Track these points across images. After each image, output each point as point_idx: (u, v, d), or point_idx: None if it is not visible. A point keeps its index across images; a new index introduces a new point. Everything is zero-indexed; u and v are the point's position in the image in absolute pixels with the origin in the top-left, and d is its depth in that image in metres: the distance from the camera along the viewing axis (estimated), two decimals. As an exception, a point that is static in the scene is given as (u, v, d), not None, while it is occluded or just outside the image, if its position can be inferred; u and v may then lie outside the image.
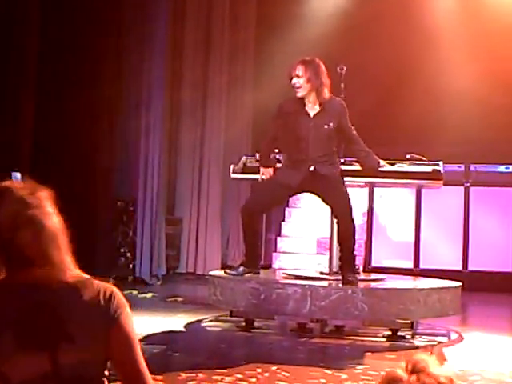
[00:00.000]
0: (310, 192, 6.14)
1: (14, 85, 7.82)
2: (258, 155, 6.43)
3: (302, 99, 5.81)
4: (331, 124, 5.80)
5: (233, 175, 6.62)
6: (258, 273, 6.10)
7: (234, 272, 6.00)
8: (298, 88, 5.75)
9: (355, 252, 6.03)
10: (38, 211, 1.88)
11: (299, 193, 6.48)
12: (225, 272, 6.11)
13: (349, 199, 5.83)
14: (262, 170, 6.08)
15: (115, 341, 1.88)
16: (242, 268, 6.03)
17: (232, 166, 6.64)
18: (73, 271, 1.94)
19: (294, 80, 5.75)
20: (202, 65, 10.27)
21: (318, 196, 6.01)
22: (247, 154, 7.26)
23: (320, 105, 5.82)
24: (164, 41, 9.77)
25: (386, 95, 10.06)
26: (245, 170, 6.53)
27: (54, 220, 1.93)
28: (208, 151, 10.28)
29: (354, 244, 5.95)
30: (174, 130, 10.24)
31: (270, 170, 6.04)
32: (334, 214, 5.96)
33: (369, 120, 9.56)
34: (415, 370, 1.53)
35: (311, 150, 5.78)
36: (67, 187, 8.36)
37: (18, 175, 2.66)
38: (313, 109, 5.83)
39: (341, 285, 5.88)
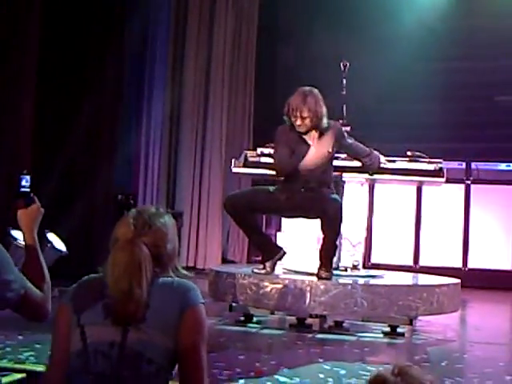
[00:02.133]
0: (298, 211, 5.98)
1: (14, 81, 7.82)
2: (259, 150, 6.45)
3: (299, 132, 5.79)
4: (330, 150, 5.78)
5: (234, 169, 6.62)
6: (285, 252, 5.97)
7: (263, 271, 5.87)
8: (302, 126, 5.70)
9: (335, 251, 5.91)
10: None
11: (285, 212, 6.21)
12: (253, 271, 5.91)
13: (341, 205, 5.69)
14: None
15: (184, 328, 2.15)
16: (268, 264, 5.89)
17: (233, 160, 6.64)
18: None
19: (299, 122, 5.67)
20: (204, 60, 10.27)
21: (307, 211, 5.89)
22: (249, 149, 7.26)
23: (317, 131, 5.77)
24: (167, 37, 9.80)
25: (388, 92, 10.06)
26: (246, 164, 6.53)
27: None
28: (209, 145, 10.28)
29: (335, 244, 5.84)
30: (174, 124, 10.24)
31: None
32: (322, 216, 5.70)
33: (370, 117, 9.57)
34: (400, 372, 1.73)
35: (308, 174, 5.76)
36: (68, 181, 8.44)
37: (28, 178, 2.69)
38: (311, 136, 5.79)
39: (340, 280, 5.89)
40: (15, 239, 5.15)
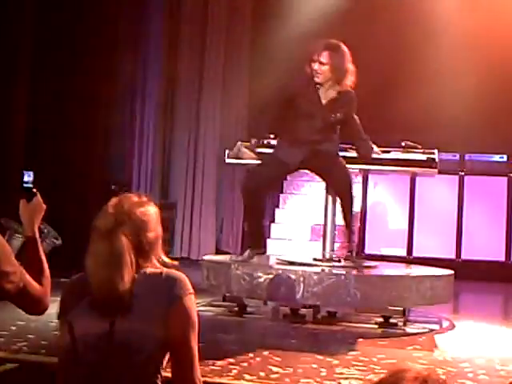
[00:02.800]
0: (308, 169, 6.14)
1: (7, 70, 7.81)
2: (253, 140, 6.44)
3: (316, 82, 5.68)
4: (338, 115, 5.77)
5: (228, 160, 6.62)
6: (265, 252, 6.02)
7: (239, 258, 5.92)
8: (319, 74, 5.60)
9: (353, 227, 6.05)
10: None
11: (297, 170, 6.32)
12: (230, 260, 5.97)
13: (349, 174, 5.86)
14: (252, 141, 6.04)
15: (174, 319, 2.14)
16: (247, 252, 5.93)
17: (227, 151, 6.63)
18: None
19: (317, 66, 5.58)
20: (198, 50, 10.25)
21: (317, 173, 6.02)
22: (243, 139, 7.25)
23: (335, 92, 5.70)
24: (161, 28, 9.78)
25: (383, 83, 10.05)
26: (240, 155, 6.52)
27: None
28: (203, 136, 10.28)
29: (352, 218, 5.97)
30: (169, 115, 10.23)
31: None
32: (335, 190, 5.89)
33: (365, 108, 9.54)
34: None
35: (314, 134, 5.75)
36: (62, 172, 8.42)
37: (31, 173, 2.70)
38: (326, 95, 5.71)
39: (334, 271, 5.90)
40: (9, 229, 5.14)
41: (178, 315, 2.16)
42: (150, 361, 2.13)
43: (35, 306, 2.51)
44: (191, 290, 2.22)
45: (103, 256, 2.14)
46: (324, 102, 5.72)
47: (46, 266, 2.58)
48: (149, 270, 2.21)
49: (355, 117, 5.95)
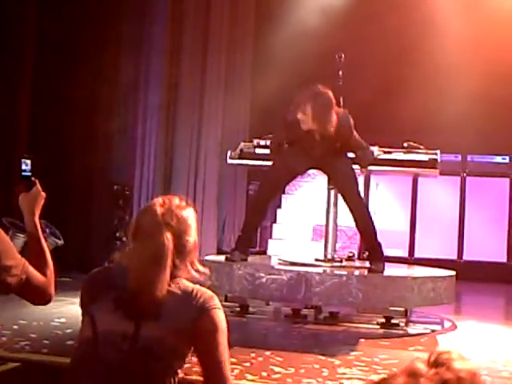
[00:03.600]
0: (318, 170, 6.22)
1: (11, 66, 7.81)
2: (255, 141, 6.45)
3: None
4: (337, 144, 5.79)
5: (229, 161, 6.63)
6: (246, 259, 6.06)
7: (232, 257, 5.96)
8: (302, 123, 5.60)
9: (379, 240, 5.95)
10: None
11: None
12: (226, 258, 6.02)
13: (358, 185, 5.89)
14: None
15: (201, 330, 2.13)
16: (237, 253, 6.00)
17: (229, 152, 6.64)
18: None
19: (300, 116, 5.56)
20: (201, 51, 10.25)
21: (328, 177, 6.09)
22: (244, 140, 7.27)
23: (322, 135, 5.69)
24: (163, 29, 9.77)
25: (386, 85, 10.05)
26: (242, 155, 6.54)
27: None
28: (205, 136, 10.27)
29: (375, 231, 5.93)
30: (171, 115, 10.22)
31: None
32: (347, 205, 5.90)
33: (368, 110, 9.55)
34: (436, 363, 1.46)
35: (319, 155, 5.81)
36: (65, 172, 8.42)
37: (28, 162, 2.67)
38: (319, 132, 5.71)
39: (336, 271, 5.89)
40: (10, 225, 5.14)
41: (205, 328, 2.13)
42: (167, 370, 2.11)
43: (39, 297, 2.52)
44: (220, 307, 2.20)
45: (147, 256, 2.12)
46: (318, 138, 5.71)
47: (48, 257, 2.58)
48: (183, 283, 2.19)
49: (353, 134, 5.88)
